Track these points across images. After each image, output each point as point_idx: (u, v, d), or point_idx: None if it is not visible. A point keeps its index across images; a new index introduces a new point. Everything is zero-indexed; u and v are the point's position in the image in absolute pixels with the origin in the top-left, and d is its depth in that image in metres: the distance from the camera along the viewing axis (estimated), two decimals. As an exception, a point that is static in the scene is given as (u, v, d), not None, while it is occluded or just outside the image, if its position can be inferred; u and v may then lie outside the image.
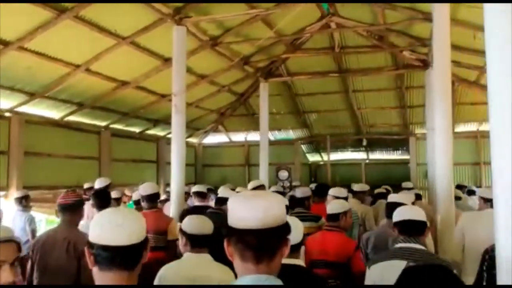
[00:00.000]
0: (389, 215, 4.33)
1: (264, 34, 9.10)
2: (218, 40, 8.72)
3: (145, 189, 4.69)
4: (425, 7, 7.21)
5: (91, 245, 1.65)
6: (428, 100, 9.76)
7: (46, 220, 9.60)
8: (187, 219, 3.15)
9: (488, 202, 4.70)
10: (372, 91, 12.54)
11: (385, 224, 4.45)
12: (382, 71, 11.25)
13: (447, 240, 5.16)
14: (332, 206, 4.09)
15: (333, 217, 3.96)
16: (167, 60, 8.75)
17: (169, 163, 12.91)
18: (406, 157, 14.25)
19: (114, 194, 6.18)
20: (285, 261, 2.27)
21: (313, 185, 9.26)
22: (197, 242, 3.03)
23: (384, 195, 7.77)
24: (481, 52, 8.55)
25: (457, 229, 4.43)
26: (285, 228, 1.47)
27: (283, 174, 14.76)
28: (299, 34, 9.62)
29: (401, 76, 11.70)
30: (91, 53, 7.66)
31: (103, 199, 4.54)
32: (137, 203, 6.22)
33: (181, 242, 3.10)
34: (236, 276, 1.49)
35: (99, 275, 1.67)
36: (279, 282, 1.43)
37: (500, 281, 2.02)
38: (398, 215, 3.13)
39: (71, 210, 3.53)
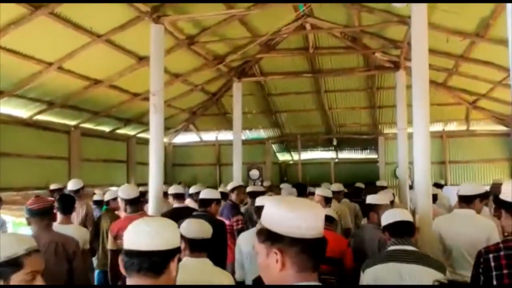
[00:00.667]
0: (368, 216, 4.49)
1: (240, 34, 9.10)
2: (195, 39, 8.63)
3: (127, 192, 4.56)
4: (401, 10, 7.37)
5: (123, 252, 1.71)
6: (399, 100, 10.02)
7: (13, 223, 9.25)
8: (185, 223, 3.10)
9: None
10: (343, 92, 12.76)
11: (365, 225, 4.56)
12: (354, 72, 11.44)
13: (426, 239, 5.27)
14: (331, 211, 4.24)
15: (330, 219, 4.08)
16: (142, 59, 8.61)
17: (139, 163, 12.86)
18: (374, 156, 14.58)
19: (96, 197, 6.01)
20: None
21: (283, 185, 9.34)
22: (196, 247, 3.00)
23: (347, 194, 8.02)
24: (452, 55, 8.88)
25: (434, 233, 4.51)
26: None
27: (254, 173, 14.81)
28: (275, 35, 9.65)
29: (372, 77, 11.94)
30: (65, 51, 7.43)
31: (66, 204, 4.46)
32: (107, 203, 6.10)
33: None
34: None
35: (127, 281, 1.70)
36: None
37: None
38: (387, 218, 3.20)
39: (48, 214, 3.53)
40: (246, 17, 8.60)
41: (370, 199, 4.60)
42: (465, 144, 13.22)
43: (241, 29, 8.97)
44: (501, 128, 12.74)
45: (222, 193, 6.00)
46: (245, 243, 3.33)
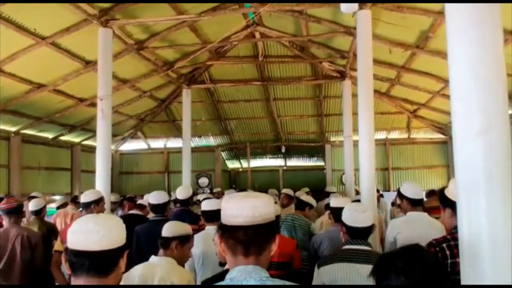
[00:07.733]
0: (337, 219, 4.47)
1: (190, 40, 9.08)
2: (144, 45, 8.51)
3: (84, 197, 4.59)
4: (347, 21, 7.65)
5: (66, 251, 1.66)
6: (345, 109, 10.34)
7: None
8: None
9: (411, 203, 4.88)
10: (291, 100, 13.00)
11: (335, 229, 4.58)
12: (302, 80, 11.72)
13: (373, 242, 5.45)
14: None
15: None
16: (88, 63, 8.40)
17: (85, 171, 12.45)
18: (321, 163, 14.91)
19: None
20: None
21: (227, 192, 9.34)
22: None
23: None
24: (394, 66, 9.27)
25: (388, 237, 4.48)
26: (274, 226, 1.55)
27: (204, 181, 14.71)
28: (224, 42, 9.70)
29: (319, 86, 12.25)
30: (6, 53, 7.10)
31: None
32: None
33: None
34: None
35: (73, 280, 1.66)
36: (265, 273, 1.49)
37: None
38: (349, 219, 3.25)
39: (16, 213, 4.28)
40: (196, 24, 8.60)
41: (336, 203, 4.56)
42: (406, 152, 13.82)
43: (191, 35, 8.95)
44: (439, 136, 13.45)
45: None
46: (196, 245, 3.34)
